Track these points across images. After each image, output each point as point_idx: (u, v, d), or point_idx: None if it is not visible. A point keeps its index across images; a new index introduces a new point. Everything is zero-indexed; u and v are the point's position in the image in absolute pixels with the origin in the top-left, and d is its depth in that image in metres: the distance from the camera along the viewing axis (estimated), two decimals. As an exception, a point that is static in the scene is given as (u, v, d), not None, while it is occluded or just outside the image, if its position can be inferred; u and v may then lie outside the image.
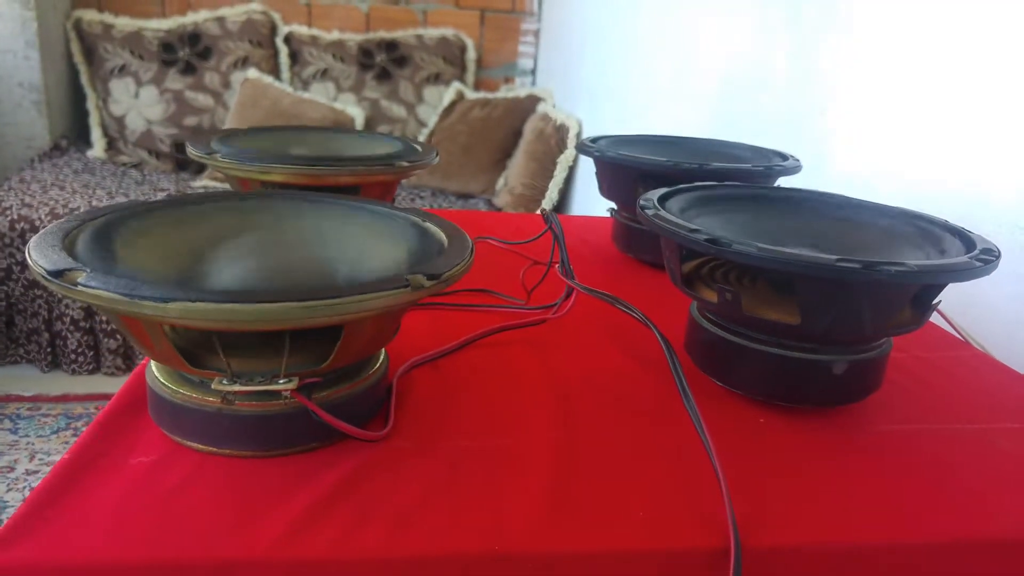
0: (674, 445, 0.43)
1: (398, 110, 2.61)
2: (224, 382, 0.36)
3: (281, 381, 0.37)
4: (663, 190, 0.54)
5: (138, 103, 2.49)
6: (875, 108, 0.94)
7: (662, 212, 0.47)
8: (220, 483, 0.37)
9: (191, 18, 2.56)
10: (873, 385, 0.48)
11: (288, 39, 2.61)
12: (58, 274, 0.34)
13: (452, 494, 0.38)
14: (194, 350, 0.38)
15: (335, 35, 2.62)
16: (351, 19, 2.68)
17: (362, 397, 0.42)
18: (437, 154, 0.70)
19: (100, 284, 0.33)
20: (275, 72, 2.59)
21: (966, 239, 0.46)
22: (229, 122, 2.44)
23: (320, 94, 2.56)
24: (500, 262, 0.73)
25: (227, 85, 2.53)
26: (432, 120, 2.58)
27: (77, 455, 0.37)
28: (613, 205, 0.78)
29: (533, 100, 2.55)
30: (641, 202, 0.51)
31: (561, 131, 2.29)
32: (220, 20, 2.56)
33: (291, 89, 2.51)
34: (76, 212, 0.42)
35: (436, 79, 2.66)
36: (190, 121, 2.51)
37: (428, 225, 0.46)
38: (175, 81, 2.51)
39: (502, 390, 0.49)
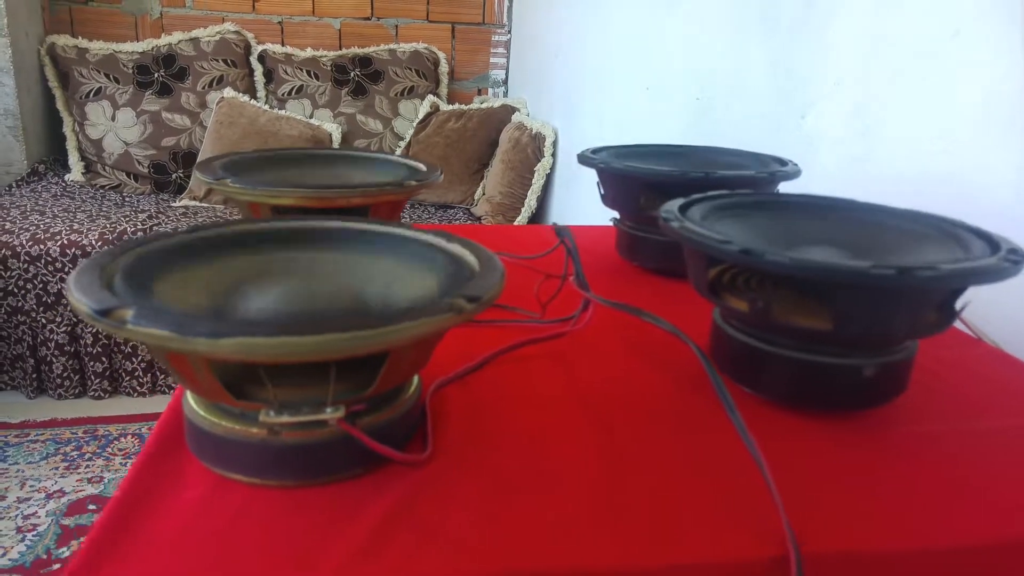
0: (716, 456, 0.44)
1: (374, 124, 2.60)
2: (271, 414, 0.36)
3: (328, 410, 0.37)
4: (680, 201, 0.55)
5: (115, 126, 2.46)
6: (856, 109, 0.96)
7: (688, 224, 0.48)
8: (272, 514, 0.36)
9: (165, 40, 2.53)
10: (901, 386, 0.48)
11: (262, 58, 2.59)
12: (105, 313, 0.33)
13: (504, 514, 0.38)
14: (237, 382, 0.37)
15: (309, 52, 2.61)
16: (324, 36, 2.67)
17: (401, 421, 0.42)
18: (441, 172, 0.70)
19: (150, 322, 0.32)
20: (251, 91, 2.58)
21: (988, 239, 0.47)
22: (207, 141, 2.42)
23: (296, 111, 2.55)
24: (512, 276, 0.73)
25: (203, 105, 2.51)
26: (408, 133, 2.58)
27: (127, 494, 0.36)
28: (615, 214, 0.79)
29: (508, 110, 2.57)
30: (663, 214, 0.51)
31: (537, 139, 2.31)
32: (194, 41, 2.54)
33: (267, 107, 2.49)
34: (108, 248, 0.41)
35: (410, 92, 2.66)
36: (168, 142, 2.48)
37: (454, 247, 0.46)
38: (151, 103, 2.48)
39: (533, 406, 0.49)
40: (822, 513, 0.39)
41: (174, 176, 2.51)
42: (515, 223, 2.27)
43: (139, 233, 2.03)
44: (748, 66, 1.25)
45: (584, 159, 0.75)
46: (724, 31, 1.32)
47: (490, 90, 2.88)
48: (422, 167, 0.72)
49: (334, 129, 2.50)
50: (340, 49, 2.67)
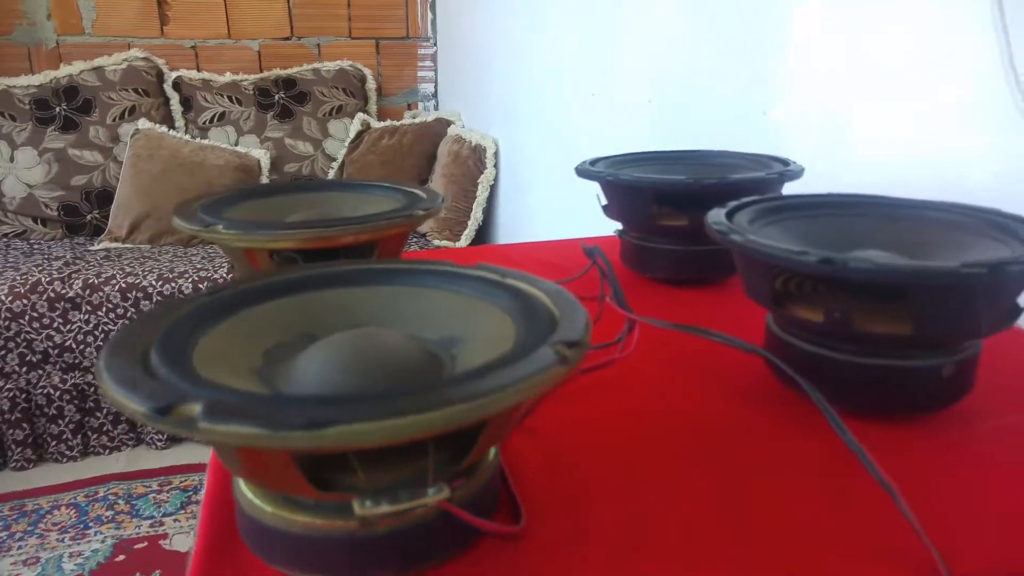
0: (828, 482, 0.41)
1: (304, 147, 2.51)
2: (367, 504, 0.31)
3: (431, 491, 0.32)
4: (722, 211, 0.52)
5: (14, 167, 2.28)
6: (823, 100, 0.97)
7: (750, 236, 0.45)
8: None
9: (65, 71, 2.37)
10: (972, 383, 0.47)
11: (178, 85, 2.46)
12: (165, 411, 0.28)
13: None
14: (314, 470, 0.32)
15: (228, 77, 2.50)
16: (243, 59, 2.56)
17: (486, 489, 0.38)
18: (443, 199, 0.65)
19: (229, 418, 0.27)
20: (168, 121, 2.44)
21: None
22: (124, 177, 2.27)
23: (220, 139, 2.43)
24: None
25: (116, 139, 2.36)
26: (341, 153, 2.50)
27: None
28: (618, 225, 0.76)
29: (443, 124, 2.52)
30: (715, 227, 0.48)
31: (478, 151, 2.27)
32: (98, 71, 2.38)
33: (188, 137, 2.37)
34: (127, 324, 0.35)
35: (339, 112, 2.58)
36: (78, 181, 2.32)
37: (509, 281, 0.42)
38: (55, 140, 2.31)
39: (607, 445, 0.45)
40: (960, 528, 0.36)
41: (89, 217, 2.36)
42: (462, 237, 2.23)
43: (55, 283, 1.89)
44: (703, 65, 1.25)
45: (584, 172, 0.72)
46: (674, 31, 1.32)
47: (420, 104, 2.82)
48: (416, 192, 0.68)
49: (262, 155, 2.40)
50: (261, 72, 2.56)
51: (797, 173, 0.68)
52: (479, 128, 2.39)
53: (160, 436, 2.02)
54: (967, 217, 0.51)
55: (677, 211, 0.67)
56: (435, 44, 2.76)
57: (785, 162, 0.72)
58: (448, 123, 2.51)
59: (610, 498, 0.40)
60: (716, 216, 0.50)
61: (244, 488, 0.35)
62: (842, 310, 0.43)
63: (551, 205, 1.90)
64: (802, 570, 0.34)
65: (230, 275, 2.01)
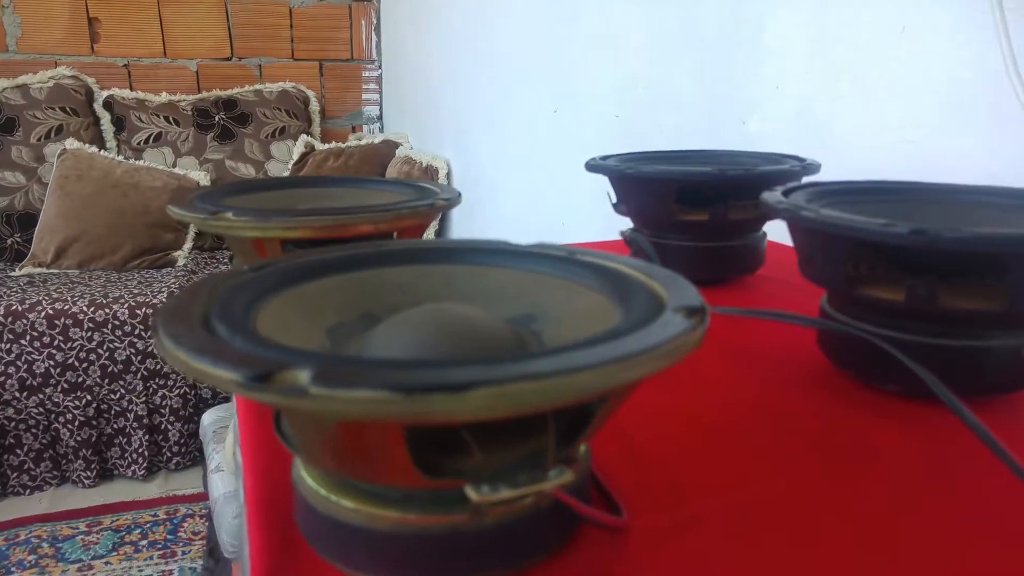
0: (932, 466, 0.38)
1: (246, 169, 2.42)
2: (484, 489, 0.26)
3: (552, 473, 0.27)
4: (776, 192, 0.50)
5: (-74, 191, 2.11)
6: (802, 108, 0.98)
7: (829, 212, 0.43)
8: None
9: (-15, 89, 2.22)
10: (1042, 364, 0.46)
11: (109, 104, 2.34)
12: (265, 377, 0.23)
13: (751, 565, 0.30)
14: (425, 454, 0.27)
15: (165, 97, 2.39)
16: (179, 79, 2.46)
17: (584, 480, 0.33)
18: (459, 195, 0.61)
19: (351, 383, 0.22)
20: (98, 141, 2.31)
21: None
22: (51, 199, 2.13)
23: (156, 160, 2.31)
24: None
25: (41, 159, 2.22)
26: (284, 175, 2.42)
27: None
28: (626, 226, 0.73)
29: (390, 145, 2.48)
30: (779, 205, 0.46)
31: (430, 172, 2.23)
32: (22, 88, 2.24)
33: (121, 158, 2.24)
34: (178, 293, 0.30)
35: (282, 133, 2.51)
36: (-1, 204, 2.16)
37: (585, 259, 0.38)
38: (-28, 161, 2.16)
39: (681, 436, 0.41)
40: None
41: (10, 241, 2.20)
42: (415, 260, 2.17)
43: (-17, 310, 1.74)
44: (672, 78, 1.25)
45: (595, 167, 0.69)
46: (640, 45, 1.32)
47: (364, 127, 2.77)
48: (422, 185, 0.63)
49: (202, 177, 2.29)
50: (200, 92, 2.46)
51: (815, 167, 0.67)
52: (430, 149, 2.35)
53: (88, 474, 1.87)
54: (1010, 198, 0.51)
55: (699, 206, 0.65)
56: (380, 67, 2.72)
57: (798, 158, 0.71)
58: (396, 145, 2.47)
59: (708, 489, 0.36)
60: (774, 196, 0.48)
61: (311, 481, 0.30)
62: (927, 287, 0.41)
63: (512, 223, 1.87)
64: (911, 547, 0.31)
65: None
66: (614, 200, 0.71)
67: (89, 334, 1.80)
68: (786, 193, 0.50)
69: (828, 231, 0.43)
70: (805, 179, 0.68)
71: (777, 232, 0.70)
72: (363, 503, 0.29)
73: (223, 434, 1.82)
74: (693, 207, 0.66)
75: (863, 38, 0.89)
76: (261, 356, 0.24)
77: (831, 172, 0.70)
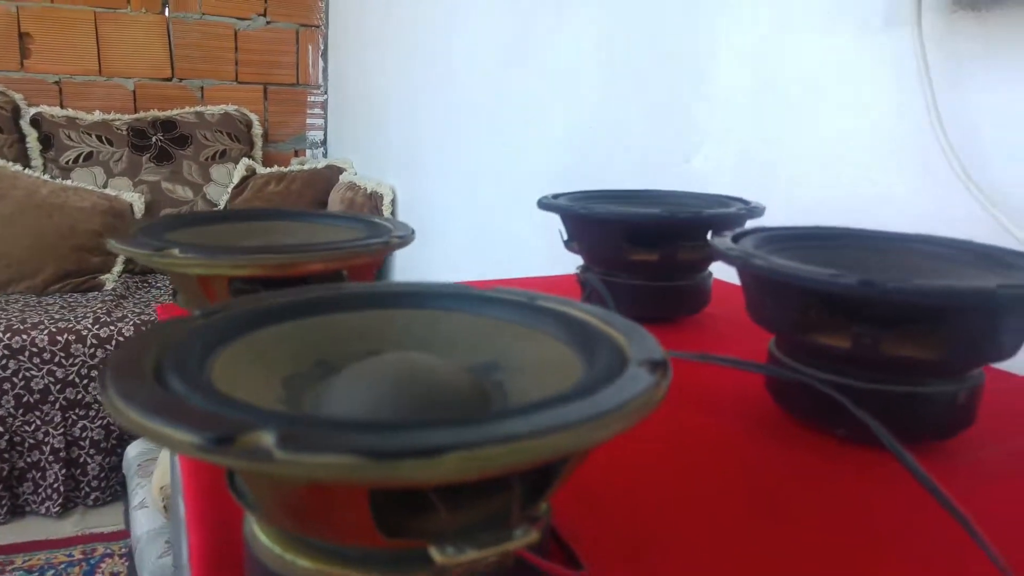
0: (892, 514, 0.39)
1: (183, 192, 2.35)
2: (449, 550, 0.26)
3: (518, 533, 0.27)
4: (726, 238, 0.51)
5: None
6: (742, 148, 1.01)
7: (779, 260, 0.44)
8: None
9: (-99, 101, 2.11)
10: (976, 411, 0.48)
11: (37, 122, 2.25)
12: (226, 440, 0.22)
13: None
14: (387, 515, 0.26)
15: (98, 116, 2.31)
16: (114, 98, 2.38)
17: (544, 537, 0.33)
18: (413, 232, 0.60)
19: (318, 448, 0.21)
20: (22, 159, 2.22)
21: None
22: (-29, 221, 2.03)
23: (86, 180, 2.23)
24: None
25: (-40, 177, 2.11)
26: (224, 199, 2.37)
27: None
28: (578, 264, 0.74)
29: (334, 171, 2.45)
30: (730, 252, 0.47)
31: (374, 198, 2.22)
32: (-58, 102, 2.14)
33: (47, 177, 2.16)
34: (125, 342, 0.28)
35: (223, 156, 2.45)
36: (-88, 224, 2.04)
37: (545, 304, 0.38)
38: None
39: (636, 485, 0.41)
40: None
41: (-76, 263, 2.07)
42: (358, 288, 2.14)
43: None
44: (621, 115, 1.28)
45: (547, 205, 0.70)
46: (592, 83, 1.35)
47: (308, 151, 2.74)
48: (377, 221, 0.63)
49: (135, 199, 2.22)
50: (136, 112, 2.39)
51: (760, 210, 0.69)
52: (375, 176, 2.34)
53: None
54: (945, 248, 0.53)
55: (648, 247, 0.66)
56: (326, 92, 2.70)
57: (744, 201, 0.73)
58: (340, 170, 2.45)
59: (665, 540, 0.36)
60: (724, 243, 0.49)
61: (265, 539, 0.29)
62: (872, 334, 0.43)
63: (461, 251, 1.87)
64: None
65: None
66: (565, 238, 0.72)
67: (4, 361, 1.71)
68: (735, 239, 0.52)
69: (778, 279, 0.44)
70: (750, 222, 0.70)
71: (721, 269, 0.72)
72: (321, 563, 0.28)
73: (149, 467, 1.74)
74: (643, 247, 0.66)
75: (806, 80, 0.92)
76: (221, 416, 0.23)
77: (773, 208, 0.72)
